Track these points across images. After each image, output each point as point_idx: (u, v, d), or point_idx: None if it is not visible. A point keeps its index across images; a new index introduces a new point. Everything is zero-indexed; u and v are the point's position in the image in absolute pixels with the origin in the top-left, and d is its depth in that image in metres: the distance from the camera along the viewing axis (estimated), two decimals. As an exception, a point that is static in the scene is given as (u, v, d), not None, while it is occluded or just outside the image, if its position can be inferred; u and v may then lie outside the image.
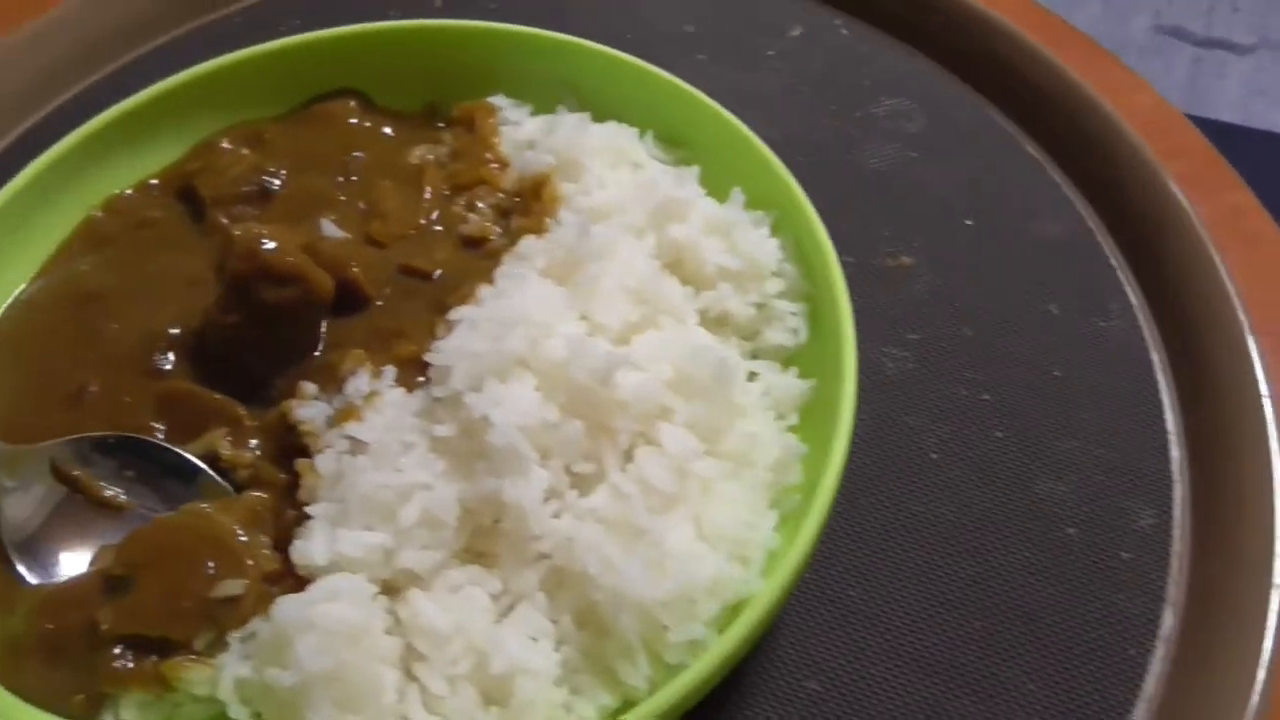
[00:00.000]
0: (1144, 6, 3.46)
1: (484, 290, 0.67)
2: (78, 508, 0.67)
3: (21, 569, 0.65)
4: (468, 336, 0.63)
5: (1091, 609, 0.68)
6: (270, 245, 0.69)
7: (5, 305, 0.78)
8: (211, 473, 0.67)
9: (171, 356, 0.74)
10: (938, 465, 0.75)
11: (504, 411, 0.59)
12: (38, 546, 0.66)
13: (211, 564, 0.61)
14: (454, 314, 0.66)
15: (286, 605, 0.56)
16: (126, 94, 0.85)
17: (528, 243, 0.70)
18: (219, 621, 0.60)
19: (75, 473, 0.67)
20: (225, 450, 0.69)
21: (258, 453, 0.69)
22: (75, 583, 0.64)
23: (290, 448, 0.68)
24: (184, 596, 0.61)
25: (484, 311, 0.65)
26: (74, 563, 0.65)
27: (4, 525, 0.65)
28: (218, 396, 0.71)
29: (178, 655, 0.60)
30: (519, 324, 0.62)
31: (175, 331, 0.75)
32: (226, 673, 0.59)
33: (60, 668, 0.61)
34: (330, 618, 0.54)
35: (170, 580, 0.61)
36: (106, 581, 0.62)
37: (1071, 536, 0.71)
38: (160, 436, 0.70)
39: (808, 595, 0.70)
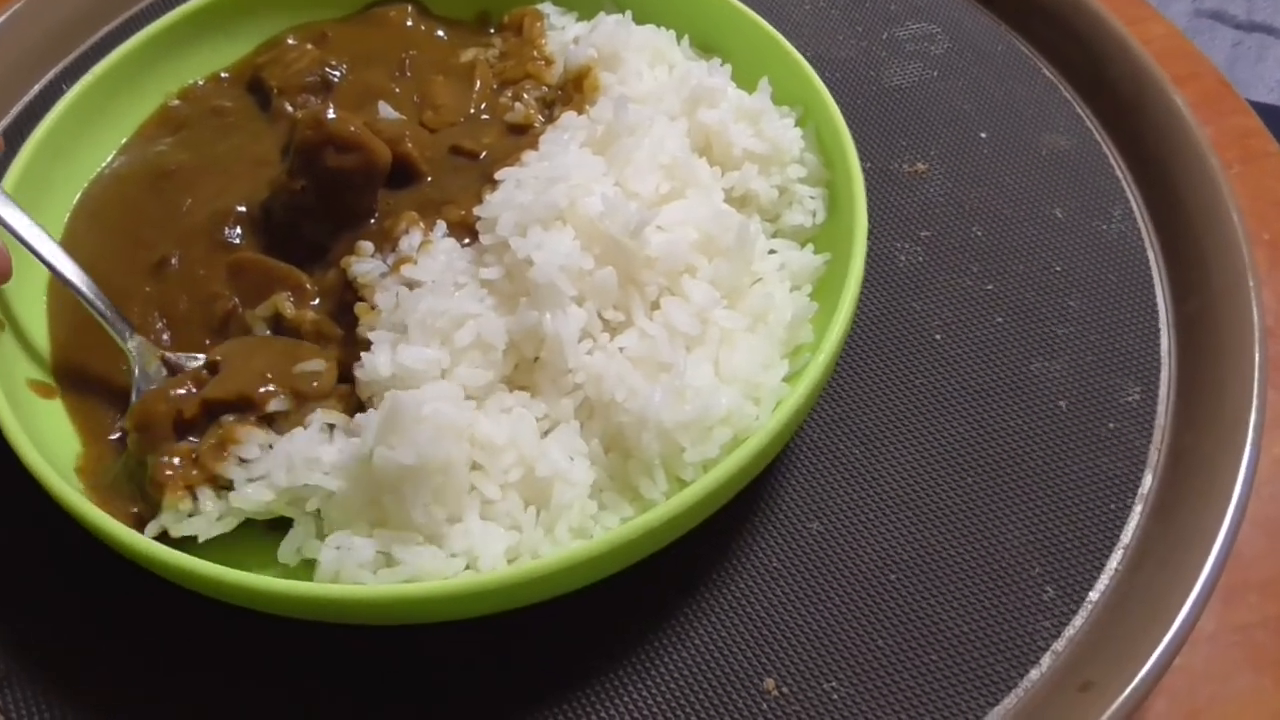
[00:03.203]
0: (1187, -11, 3.47)
1: (528, 155, 0.74)
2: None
3: None
4: (513, 191, 0.70)
5: (1078, 470, 0.74)
6: (334, 117, 0.76)
7: (91, 179, 0.85)
8: None
9: (239, 231, 0.81)
10: (940, 345, 0.81)
11: (545, 253, 0.66)
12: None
13: (294, 355, 0.70)
14: (500, 174, 0.73)
15: (404, 398, 0.61)
16: None
17: (569, 117, 0.77)
18: (300, 390, 0.68)
19: None
20: (288, 310, 0.76)
21: (319, 312, 0.76)
22: (175, 379, 0.71)
23: (349, 305, 0.74)
24: (268, 369, 0.69)
25: (529, 171, 0.72)
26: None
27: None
28: (282, 265, 0.78)
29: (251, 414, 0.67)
30: (560, 181, 0.69)
31: (242, 209, 0.82)
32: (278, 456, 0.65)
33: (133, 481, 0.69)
34: (441, 414, 0.61)
35: (257, 361, 0.69)
36: (197, 380, 0.70)
37: (1062, 409, 0.77)
38: (232, 303, 0.77)
39: (815, 452, 0.76)
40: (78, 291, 0.73)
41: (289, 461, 0.64)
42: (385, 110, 0.83)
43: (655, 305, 0.69)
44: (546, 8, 0.94)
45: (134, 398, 0.72)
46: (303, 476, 0.63)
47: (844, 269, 0.70)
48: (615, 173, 0.73)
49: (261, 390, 0.68)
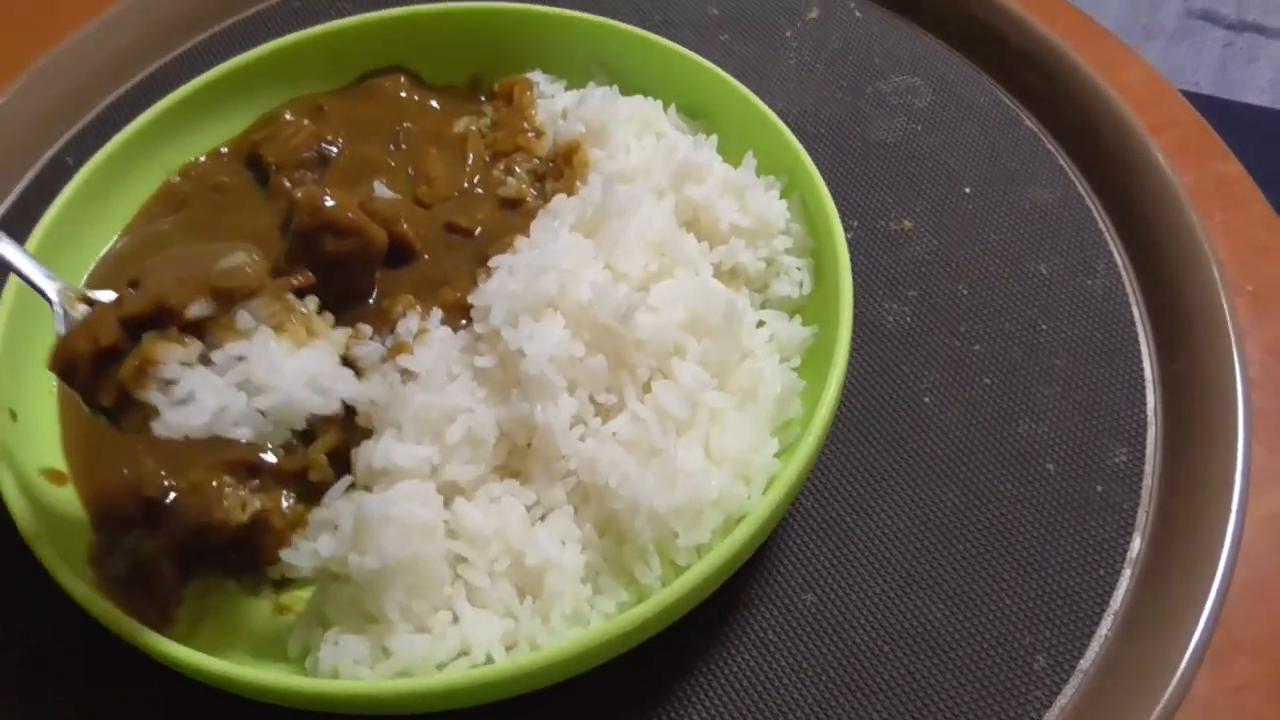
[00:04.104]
0: (1175, -11, 3.48)
1: (520, 241, 0.76)
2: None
3: None
4: (505, 280, 0.72)
5: (1066, 535, 0.75)
6: (331, 202, 0.78)
7: (97, 259, 0.87)
8: None
9: (241, 308, 0.83)
10: (929, 408, 0.83)
11: (536, 345, 0.67)
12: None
13: (217, 255, 0.66)
14: (493, 262, 0.75)
15: (370, 502, 0.64)
16: (195, 73, 0.94)
17: (559, 200, 0.78)
18: (218, 288, 0.63)
19: None
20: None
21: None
22: (90, 316, 0.65)
23: (348, 385, 0.76)
24: (186, 272, 0.64)
25: (520, 259, 0.73)
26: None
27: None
28: (281, 345, 0.80)
29: (170, 329, 0.62)
30: (550, 269, 0.70)
31: (243, 290, 0.83)
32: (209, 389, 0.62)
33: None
34: (409, 514, 0.63)
35: (176, 269, 0.65)
36: (122, 298, 0.65)
37: (1050, 471, 0.78)
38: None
39: (808, 521, 0.77)
40: None
41: (255, 383, 0.63)
42: (380, 190, 0.84)
43: (646, 386, 0.71)
44: (536, 76, 0.96)
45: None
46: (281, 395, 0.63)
47: (831, 345, 0.72)
48: (604, 254, 0.74)
49: (179, 296, 0.63)
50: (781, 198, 0.82)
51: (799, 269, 0.80)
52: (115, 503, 0.76)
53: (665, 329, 0.71)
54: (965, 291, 0.89)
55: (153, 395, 0.61)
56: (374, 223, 0.80)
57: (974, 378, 0.84)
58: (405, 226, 0.81)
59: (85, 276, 0.86)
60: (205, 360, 0.63)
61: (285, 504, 0.75)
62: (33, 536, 0.67)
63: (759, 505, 0.66)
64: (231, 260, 0.64)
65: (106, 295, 0.67)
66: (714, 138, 0.86)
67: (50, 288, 0.68)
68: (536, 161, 0.89)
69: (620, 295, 0.69)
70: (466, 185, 0.88)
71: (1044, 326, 0.86)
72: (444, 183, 0.88)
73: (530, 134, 0.90)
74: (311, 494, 0.75)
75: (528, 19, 0.96)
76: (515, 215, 0.84)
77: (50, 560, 0.66)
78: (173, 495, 0.75)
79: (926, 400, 0.83)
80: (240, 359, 0.63)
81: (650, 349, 0.71)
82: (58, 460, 0.77)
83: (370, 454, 0.68)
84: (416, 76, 0.99)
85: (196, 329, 0.63)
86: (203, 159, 0.94)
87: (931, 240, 0.93)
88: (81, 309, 0.67)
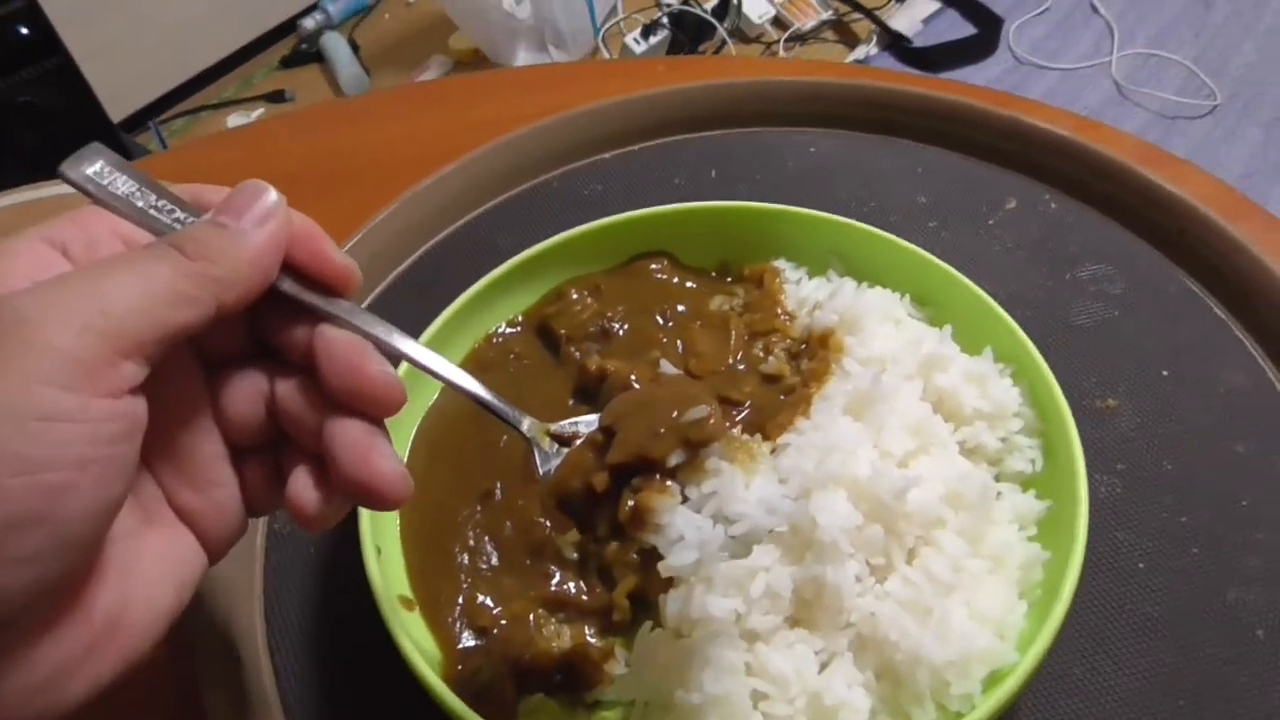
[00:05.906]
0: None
1: (801, 422, 0.90)
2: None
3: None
4: (796, 457, 0.86)
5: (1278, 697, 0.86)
6: (638, 384, 0.94)
7: (424, 414, 1.05)
8: None
9: (549, 466, 0.99)
10: (1144, 573, 0.94)
11: (829, 516, 0.81)
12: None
13: (679, 405, 0.78)
14: (782, 439, 0.89)
15: (693, 646, 0.79)
16: (471, 246, 1.12)
17: (832, 387, 0.93)
18: (689, 438, 0.76)
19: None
20: (591, 545, 0.93)
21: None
22: (573, 454, 0.80)
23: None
24: (659, 426, 0.77)
25: (805, 439, 0.88)
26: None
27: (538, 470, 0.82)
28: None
29: (653, 479, 0.75)
30: (835, 450, 0.85)
31: (548, 446, 1.00)
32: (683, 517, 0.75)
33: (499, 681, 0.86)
34: (724, 658, 0.78)
35: (647, 420, 0.78)
36: (595, 446, 0.80)
37: (1259, 638, 0.89)
38: (547, 532, 0.95)
39: (1040, 671, 0.89)
40: (467, 392, 0.77)
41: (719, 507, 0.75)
42: (665, 366, 1.00)
43: (912, 553, 0.84)
44: (781, 263, 1.12)
45: (539, 474, 0.81)
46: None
47: (1070, 520, 0.84)
48: (872, 436, 0.89)
49: (658, 448, 0.76)
50: (1013, 384, 0.96)
51: (1030, 447, 0.93)
52: (456, 629, 0.92)
53: (929, 503, 0.84)
54: (1170, 467, 1.01)
55: (649, 536, 0.75)
56: (670, 399, 0.96)
57: (1183, 547, 0.95)
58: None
59: (415, 429, 1.04)
60: (682, 497, 0.76)
61: (589, 635, 0.91)
62: (409, 653, 0.82)
63: (1017, 659, 0.78)
64: (698, 413, 0.77)
65: (563, 427, 0.82)
66: (949, 328, 1.00)
67: (524, 426, 0.80)
68: (790, 342, 1.04)
69: (896, 475, 0.83)
70: (731, 361, 1.04)
71: (1245, 502, 0.97)
72: (710, 357, 1.04)
73: (784, 317, 1.06)
74: (610, 629, 0.91)
75: (775, 217, 1.12)
76: (776, 389, 0.99)
77: (425, 675, 0.81)
78: (502, 623, 0.92)
79: (1141, 566, 0.94)
80: (711, 494, 0.76)
81: (916, 520, 0.84)
82: (405, 589, 0.93)
83: (686, 604, 0.82)
84: (675, 259, 1.16)
85: (671, 472, 0.76)
86: (501, 327, 1.12)
87: (1134, 418, 1.05)
88: (548, 442, 0.81)
